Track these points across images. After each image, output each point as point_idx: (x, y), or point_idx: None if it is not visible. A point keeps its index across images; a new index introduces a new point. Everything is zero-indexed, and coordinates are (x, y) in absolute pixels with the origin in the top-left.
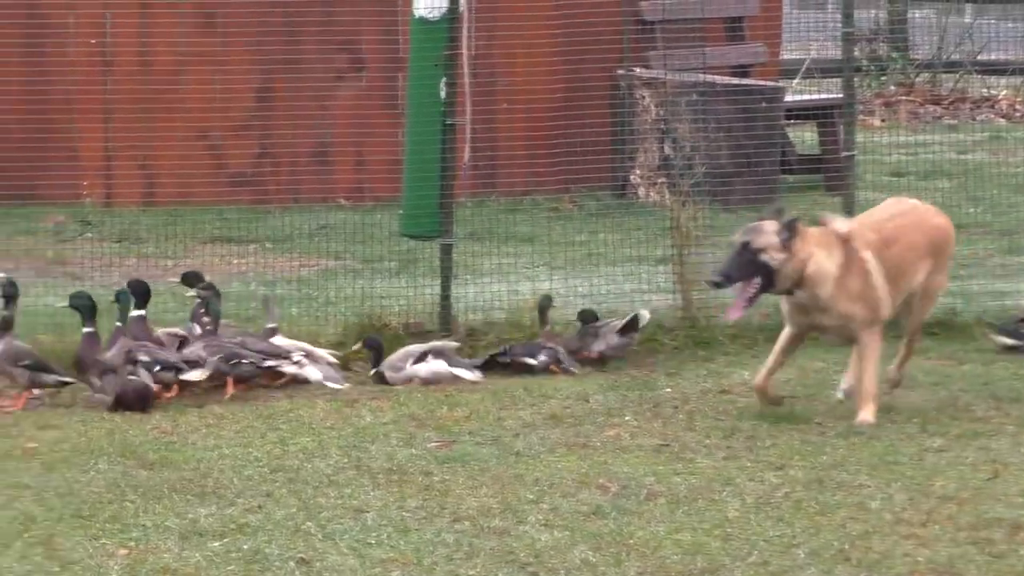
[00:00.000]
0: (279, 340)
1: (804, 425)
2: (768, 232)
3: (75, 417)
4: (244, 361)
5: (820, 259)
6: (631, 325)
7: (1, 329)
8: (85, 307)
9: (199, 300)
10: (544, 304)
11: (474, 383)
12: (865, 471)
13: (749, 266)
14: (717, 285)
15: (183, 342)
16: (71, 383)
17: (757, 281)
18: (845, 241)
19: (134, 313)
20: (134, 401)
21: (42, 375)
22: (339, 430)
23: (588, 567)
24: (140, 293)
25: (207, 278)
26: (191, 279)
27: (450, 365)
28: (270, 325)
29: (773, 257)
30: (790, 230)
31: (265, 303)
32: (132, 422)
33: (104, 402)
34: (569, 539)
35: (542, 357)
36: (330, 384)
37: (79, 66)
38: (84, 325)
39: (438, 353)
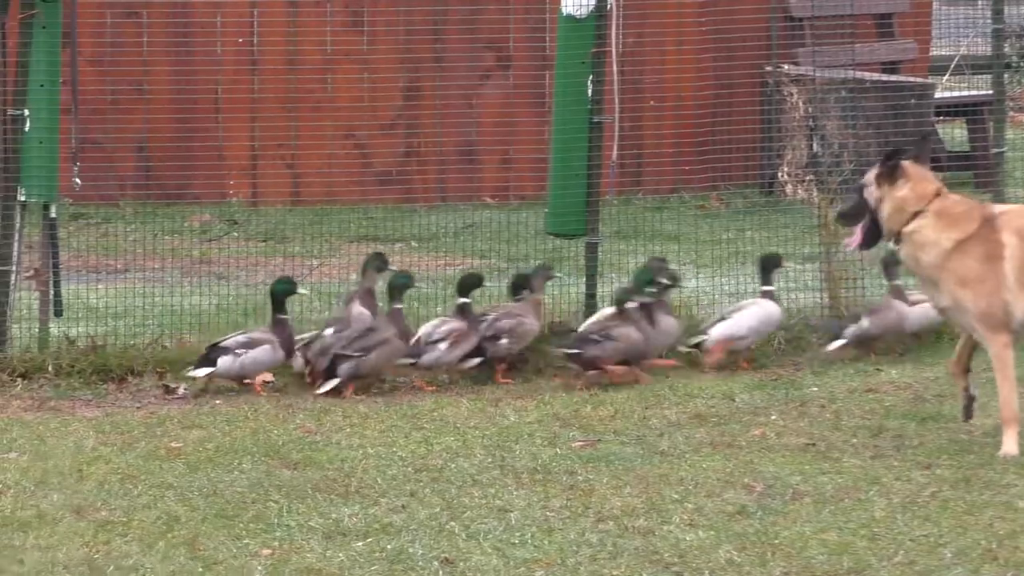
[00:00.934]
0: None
1: (951, 424)
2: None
3: (219, 416)
4: None
5: (926, 223)
6: None
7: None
8: (403, 285)
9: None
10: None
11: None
12: (1013, 470)
13: (855, 202)
14: (837, 218)
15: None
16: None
17: (866, 220)
18: (987, 219)
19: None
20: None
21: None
22: (483, 429)
23: (733, 567)
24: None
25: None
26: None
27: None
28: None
29: (871, 193)
30: (883, 166)
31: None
32: (276, 422)
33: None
34: (714, 539)
35: None
36: None
37: (226, 65)
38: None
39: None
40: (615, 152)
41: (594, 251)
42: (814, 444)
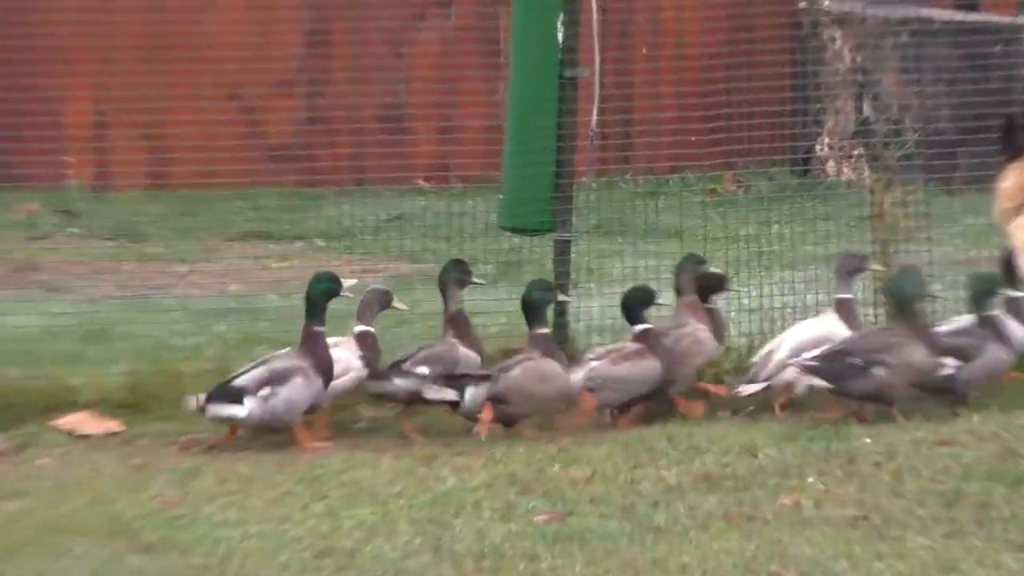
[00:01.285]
0: None
1: None
2: None
3: (46, 482)
4: None
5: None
6: None
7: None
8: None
9: None
10: None
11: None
12: None
13: None
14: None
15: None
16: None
17: None
18: None
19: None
20: None
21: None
22: (411, 498)
23: None
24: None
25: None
26: None
27: None
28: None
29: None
30: (1004, 148)
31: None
32: (123, 490)
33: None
34: None
35: None
36: None
37: (67, 1)
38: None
39: None
40: (594, 118)
41: (565, 252)
42: (866, 517)
